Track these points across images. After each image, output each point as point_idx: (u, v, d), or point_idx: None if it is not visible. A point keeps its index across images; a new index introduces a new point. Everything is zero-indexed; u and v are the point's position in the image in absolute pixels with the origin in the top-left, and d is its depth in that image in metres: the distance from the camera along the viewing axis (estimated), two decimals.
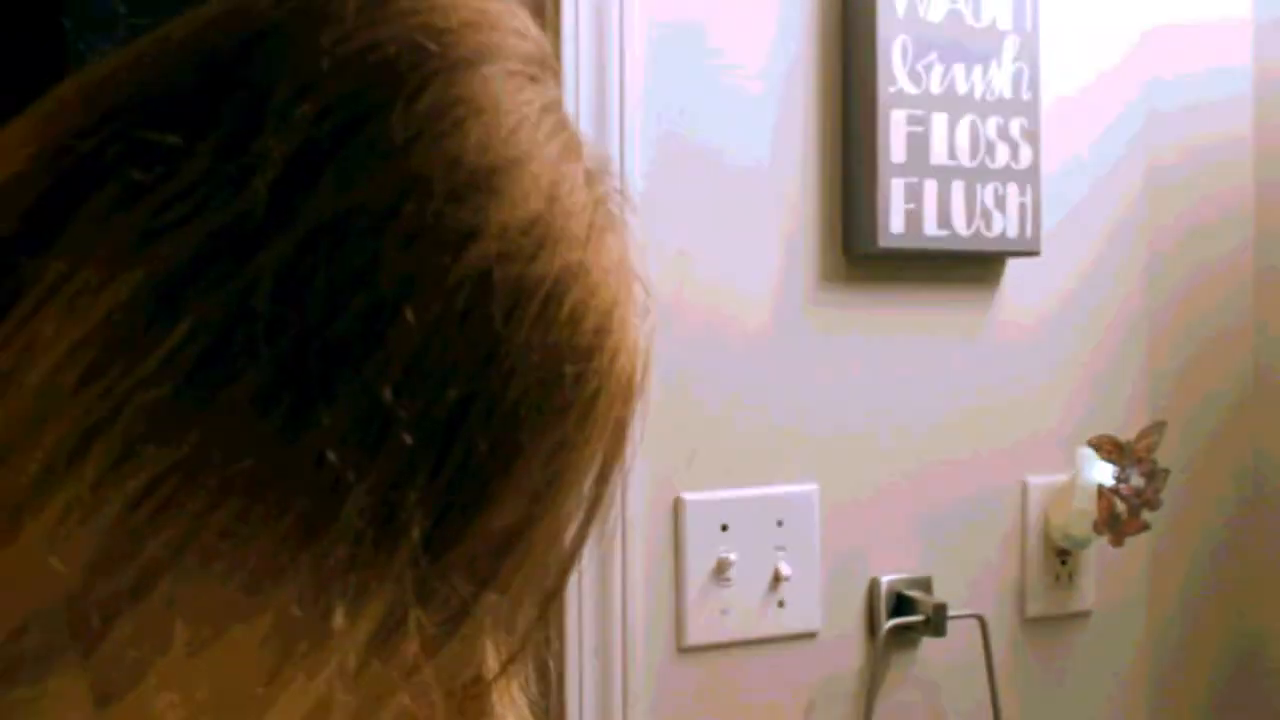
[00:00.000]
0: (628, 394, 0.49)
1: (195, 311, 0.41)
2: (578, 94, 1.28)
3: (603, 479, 0.50)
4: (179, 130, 0.43)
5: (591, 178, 0.50)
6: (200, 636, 0.42)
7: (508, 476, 0.45)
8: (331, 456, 0.42)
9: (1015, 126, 1.45)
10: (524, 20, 0.51)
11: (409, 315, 0.43)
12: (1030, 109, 1.46)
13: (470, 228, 0.44)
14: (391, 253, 0.43)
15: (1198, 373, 1.63)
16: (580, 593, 1.32)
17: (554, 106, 0.50)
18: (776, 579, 1.40)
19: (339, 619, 0.42)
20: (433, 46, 0.46)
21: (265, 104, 0.44)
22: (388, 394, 0.42)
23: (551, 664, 1.31)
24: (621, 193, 0.52)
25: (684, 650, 1.37)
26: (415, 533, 0.43)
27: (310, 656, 0.42)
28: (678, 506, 1.37)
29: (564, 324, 0.46)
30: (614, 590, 1.33)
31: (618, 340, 0.48)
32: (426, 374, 0.43)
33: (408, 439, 0.42)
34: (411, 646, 0.44)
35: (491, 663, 0.49)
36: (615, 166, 0.54)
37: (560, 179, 0.48)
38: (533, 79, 0.49)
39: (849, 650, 1.45)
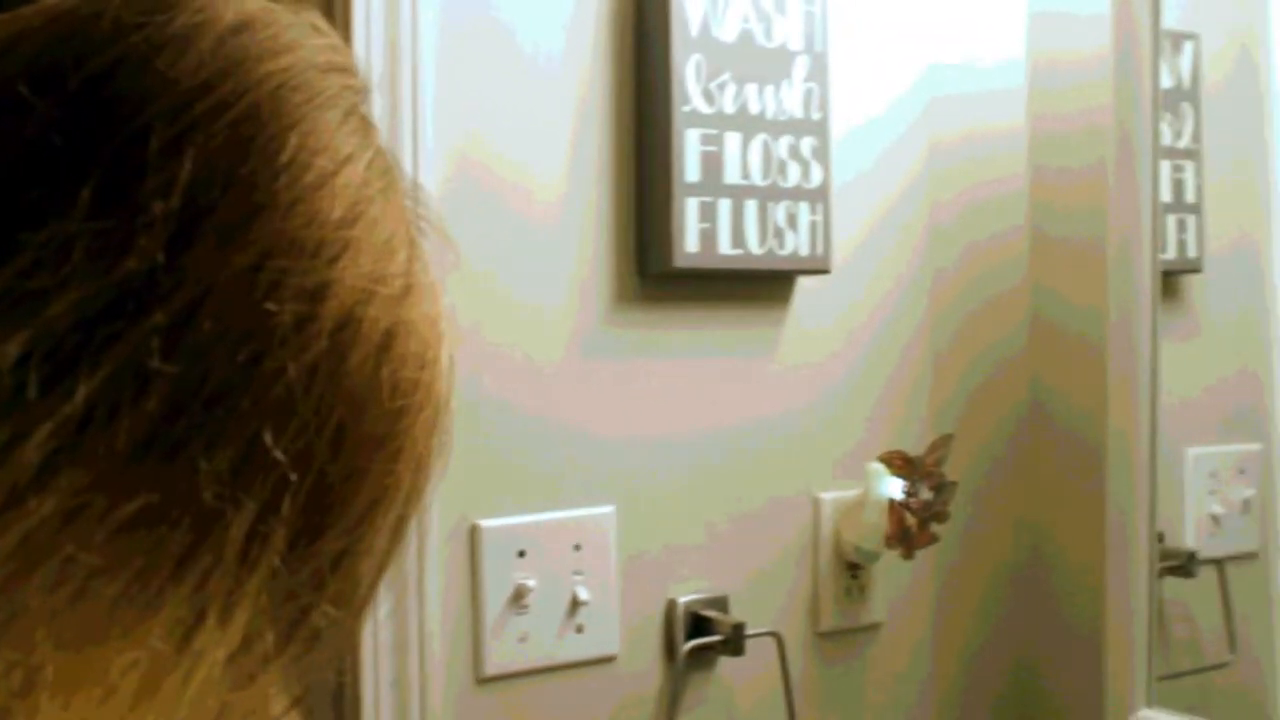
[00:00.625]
0: (440, 421, 0.53)
1: (85, 372, 0.42)
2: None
3: (411, 500, 0.53)
4: (55, 171, 0.44)
5: (414, 217, 0.53)
6: (67, 671, 0.43)
7: (351, 503, 0.49)
8: (213, 496, 0.44)
9: (806, 146, 1.46)
10: (346, 56, 0.53)
11: (288, 365, 0.45)
12: (820, 128, 1.47)
13: (331, 278, 0.47)
14: (267, 305, 0.45)
15: (980, 389, 1.67)
16: (376, 624, 1.28)
17: (380, 149, 0.52)
18: (575, 604, 1.38)
19: (203, 641, 0.45)
20: (295, 98, 0.48)
21: (143, 150, 0.44)
22: (268, 437, 0.45)
23: (348, 697, 1.27)
24: (433, 223, 0.55)
25: (483, 680, 1.34)
26: (275, 558, 0.46)
27: (174, 681, 0.45)
28: (474, 533, 1.34)
29: (404, 361, 0.49)
30: (410, 620, 1.29)
31: (433, 372, 0.52)
32: (301, 415, 0.46)
33: (291, 476, 0.45)
34: (256, 664, 0.47)
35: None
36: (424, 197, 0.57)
37: (400, 224, 0.51)
38: (361, 119, 0.52)
39: (648, 673, 1.44)
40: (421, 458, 0.52)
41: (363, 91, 0.52)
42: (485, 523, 1.34)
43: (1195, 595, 1.67)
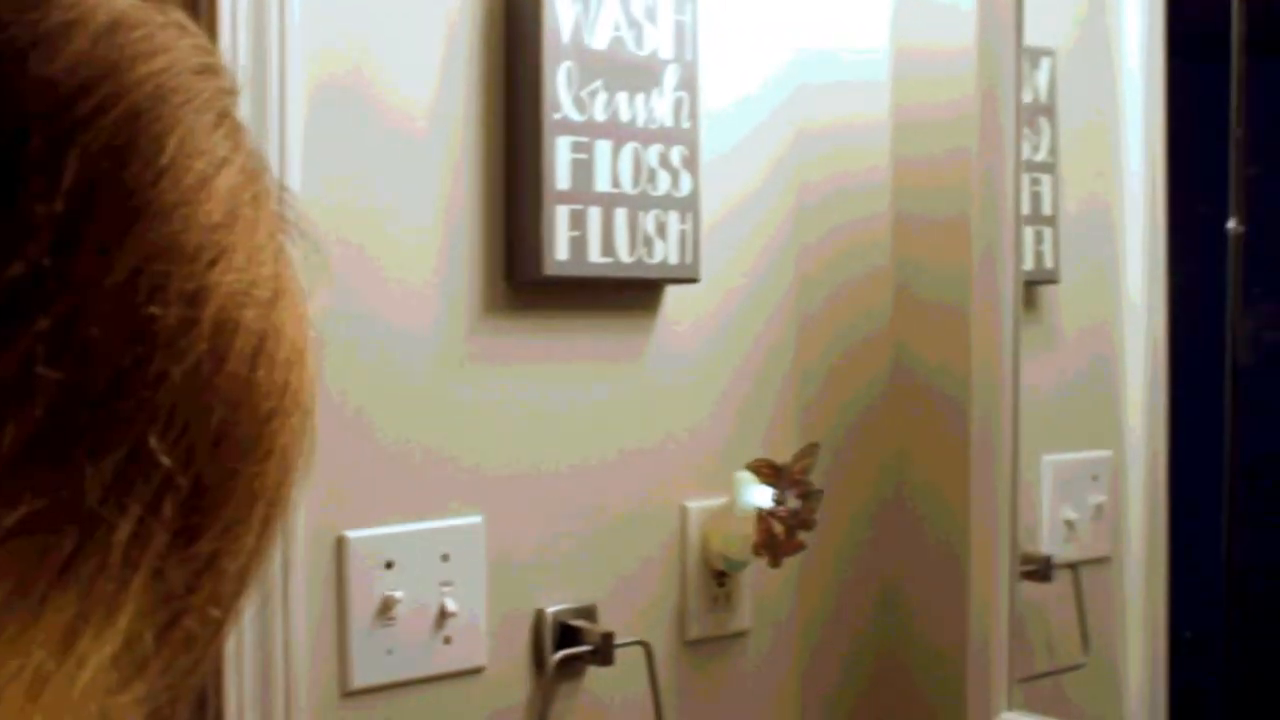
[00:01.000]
0: (307, 425, 0.54)
1: None
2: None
3: (279, 503, 0.54)
4: None
5: (282, 222, 0.54)
6: None
7: (225, 505, 0.49)
8: (98, 500, 0.44)
9: (676, 155, 1.46)
10: (216, 56, 0.53)
11: (171, 368, 0.45)
12: (690, 137, 1.47)
13: (210, 282, 0.47)
14: (150, 309, 0.45)
15: (843, 394, 1.69)
16: (240, 637, 1.25)
17: (252, 152, 0.53)
18: (443, 615, 1.36)
19: (86, 646, 0.45)
20: (173, 100, 0.47)
21: (22, 151, 0.43)
22: (153, 440, 0.45)
23: (211, 711, 1.24)
24: (300, 228, 0.56)
25: (349, 694, 1.32)
26: (156, 561, 0.46)
27: (58, 686, 0.44)
28: (341, 545, 1.31)
29: (275, 364, 0.50)
30: (275, 633, 1.27)
31: (301, 376, 0.52)
32: (183, 418, 0.46)
33: (175, 479, 0.45)
34: (135, 668, 0.47)
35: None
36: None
37: (270, 228, 0.51)
38: (234, 122, 0.52)
39: (516, 684, 1.42)
40: (290, 461, 0.53)
41: (233, 93, 0.52)
42: (352, 534, 1.32)
43: (1051, 599, 1.70)
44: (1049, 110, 1.68)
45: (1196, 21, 1.69)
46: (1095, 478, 1.74)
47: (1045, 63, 1.66)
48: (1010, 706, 1.53)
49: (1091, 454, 1.75)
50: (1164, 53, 1.69)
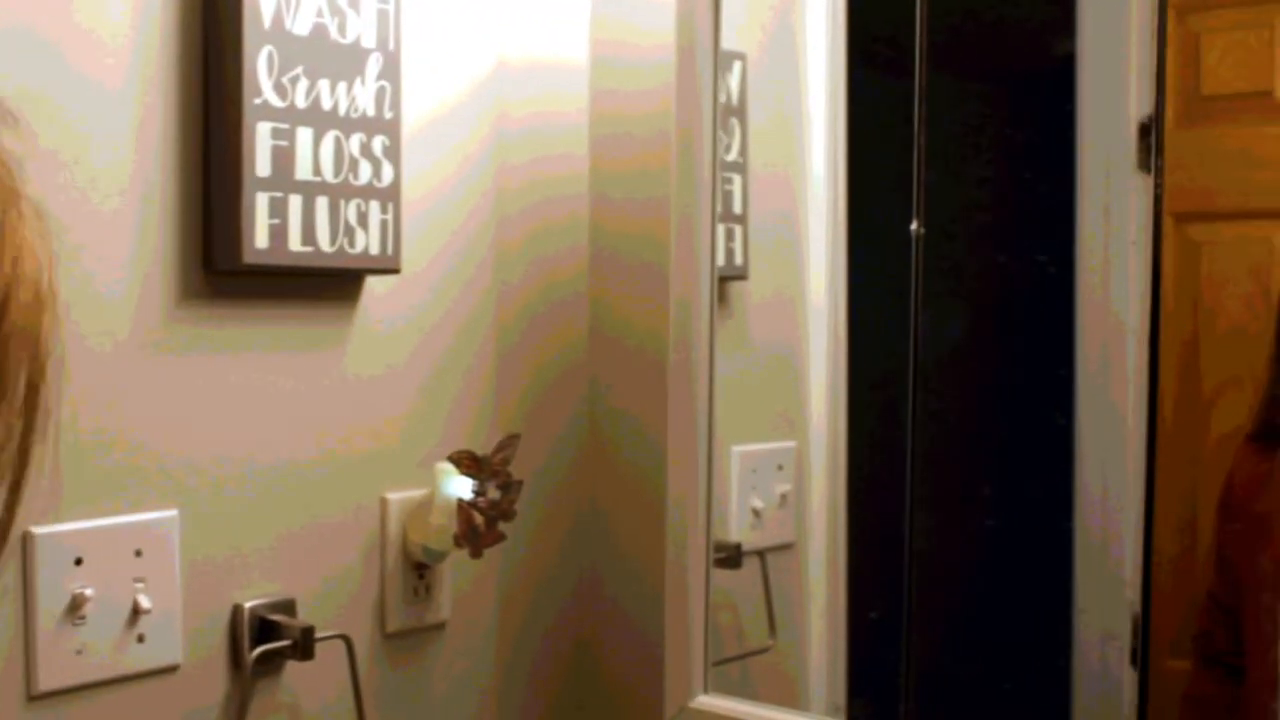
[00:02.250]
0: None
1: None
2: None
3: None
4: None
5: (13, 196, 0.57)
6: None
7: None
8: None
9: (378, 144, 1.45)
10: None
11: None
12: (392, 127, 1.47)
13: None
14: None
15: (544, 392, 1.71)
16: None
17: None
18: (136, 612, 1.32)
19: None
20: None
21: None
22: None
23: None
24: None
25: (35, 697, 1.26)
26: None
27: None
28: (26, 541, 1.26)
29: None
30: None
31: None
32: None
33: None
34: None
35: None
36: None
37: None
38: None
39: (213, 682, 1.39)
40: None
41: None
42: (38, 529, 1.26)
43: (740, 585, 1.76)
44: (740, 112, 1.74)
45: (882, 35, 1.78)
46: (781, 467, 1.81)
47: (737, 66, 1.72)
48: (706, 690, 1.57)
49: (777, 444, 1.82)
50: (846, 62, 1.77)
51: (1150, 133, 1.66)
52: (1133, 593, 1.68)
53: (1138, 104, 1.70)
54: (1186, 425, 1.44)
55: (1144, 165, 1.67)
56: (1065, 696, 1.71)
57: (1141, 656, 1.43)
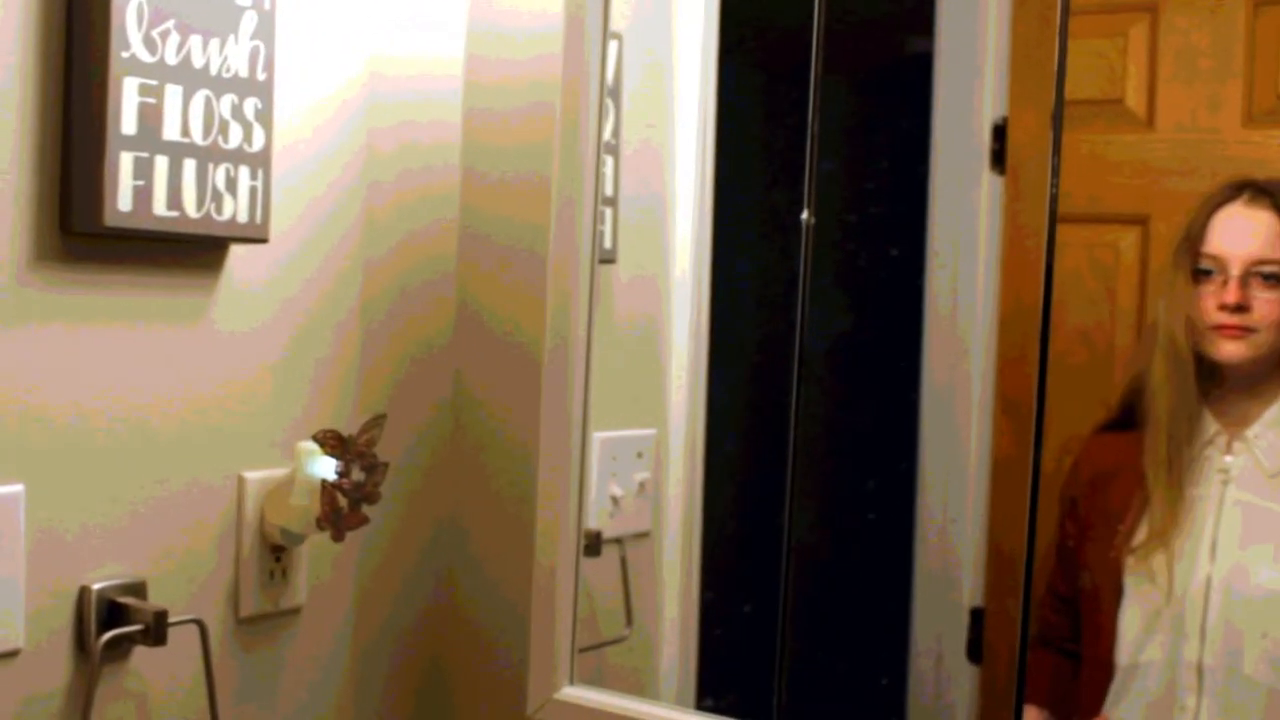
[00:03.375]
0: None
1: None
2: None
3: None
4: None
5: None
6: None
7: None
8: None
9: (249, 107, 1.39)
10: None
11: None
12: (265, 90, 1.40)
13: None
14: None
15: (411, 368, 1.66)
16: None
17: None
18: None
19: None
20: None
21: None
22: None
23: None
24: None
25: None
26: None
27: None
28: None
29: None
30: None
31: None
32: None
33: None
34: None
35: None
36: None
37: None
38: None
39: (56, 668, 1.31)
40: None
41: None
42: None
43: (598, 574, 1.74)
44: (615, 93, 1.71)
45: (755, 23, 1.77)
46: (640, 454, 1.78)
47: (614, 45, 1.69)
48: (572, 680, 1.54)
49: (637, 432, 1.79)
50: (718, 47, 1.76)
51: (1004, 134, 1.68)
52: (970, 586, 1.71)
53: (993, 105, 1.72)
54: (1032, 425, 1.46)
55: (997, 165, 1.69)
56: (904, 690, 1.73)
57: (1026, 648, 1.44)
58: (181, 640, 1.38)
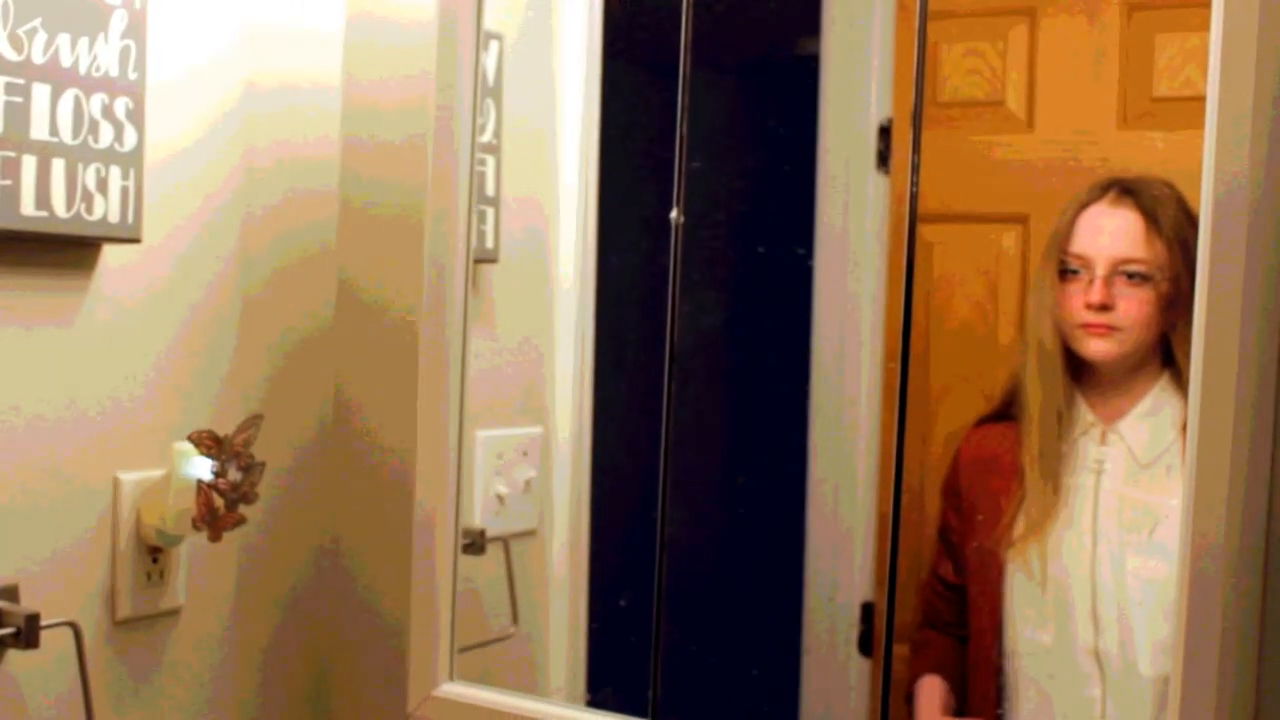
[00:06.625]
0: None
1: None
2: None
3: None
4: None
5: None
6: None
7: None
8: None
9: (120, 106, 1.38)
10: None
11: None
12: (136, 89, 1.40)
13: None
14: None
15: (287, 371, 1.66)
16: None
17: None
18: None
19: None
20: None
21: None
22: None
23: None
24: None
25: None
26: None
27: None
28: None
29: None
30: None
31: None
32: None
33: None
34: None
35: None
36: None
37: None
38: None
39: None
40: None
41: None
42: None
43: (483, 572, 1.74)
44: (496, 94, 1.72)
45: (637, 22, 1.79)
46: (525, 453, 1.79)
47: (494, 46, 1.70)
48: (451, 677, 1.55)
49: (523, 430, 1.80)
50: (601, 48, 1.77)
51: (889, 134, 1.71)
52: (862, 581, 1.74)
53: (878, 106, 1.75)
54: (915, 421, 1.49)
55: (883, 165, 1.72)
56: (797, 683, 1.75)
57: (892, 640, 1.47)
58: (56, 644, 1.37)
